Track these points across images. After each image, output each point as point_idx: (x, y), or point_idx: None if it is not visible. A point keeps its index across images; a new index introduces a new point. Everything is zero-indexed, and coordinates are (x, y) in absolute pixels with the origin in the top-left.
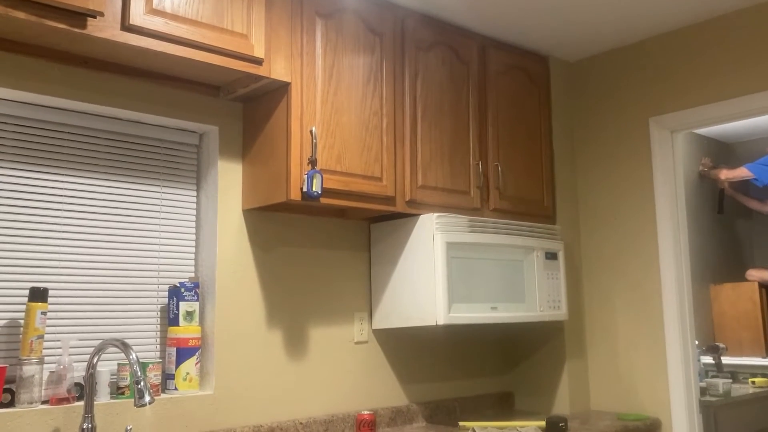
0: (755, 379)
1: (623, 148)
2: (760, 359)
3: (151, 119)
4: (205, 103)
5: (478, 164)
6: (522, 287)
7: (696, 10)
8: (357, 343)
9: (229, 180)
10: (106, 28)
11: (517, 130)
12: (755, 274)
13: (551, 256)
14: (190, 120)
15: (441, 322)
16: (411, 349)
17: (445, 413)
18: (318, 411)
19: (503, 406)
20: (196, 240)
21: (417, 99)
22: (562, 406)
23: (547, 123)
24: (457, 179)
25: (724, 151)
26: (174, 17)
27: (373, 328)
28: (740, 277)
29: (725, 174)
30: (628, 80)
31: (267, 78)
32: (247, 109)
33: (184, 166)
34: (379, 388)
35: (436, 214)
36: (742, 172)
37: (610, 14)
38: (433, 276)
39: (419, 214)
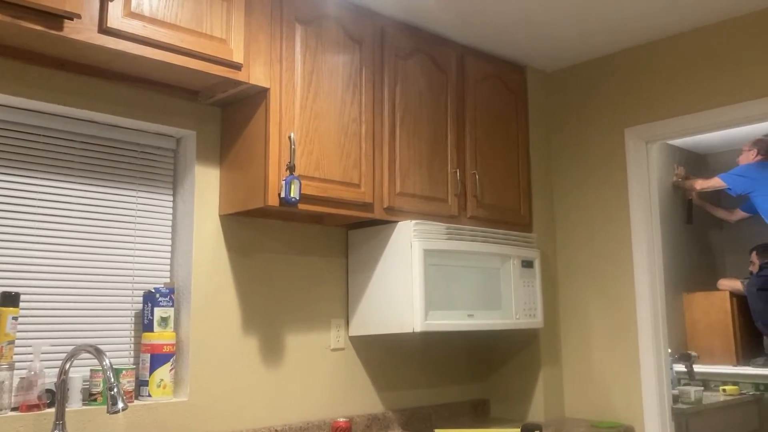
0: (726, 387)
1: (599, 157)
2: (730, 367)
3: (128, 123)
4: (183, 108)
5: (456, 172)
6: (498, 295)
7: (671, 24)
8: (333, 349)
9: (206, 185)
10: (83, 31)
11: (495, 138)
12: (726, 284)
13: (527, 264)
14: (167, 124)
15: (418, 329)
16: (387, 356)
17: (420, 420)
18: (293, 418)
19: (479, 414)
20: (172, 245)
21: (396, 106)
22: (537, 413)
23: (524, 132)
24: (435, 186)
25: (696, 162)
26: (152, 21)
27: (350, 334)
28: (712, 287)
29: (700, 184)
30: (604, 91)
31: (246, 83)
32: (225, 113)
33: (160, 171)
34: (355, 395)
35: (414, 221)
36: (716, 182)
37: (587, 26)
38: (410, 283)
39: (397, 221)
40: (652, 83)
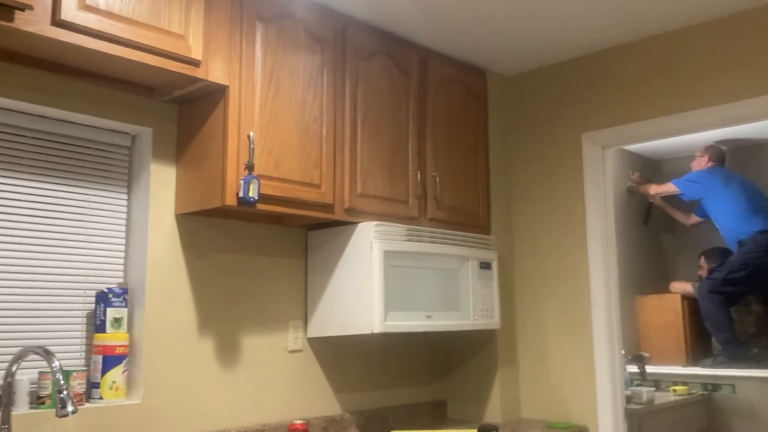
0: (676, 388)
1: (556, 161)
2: (681, 368)
3: (81, 119)
4: (139, 104)
5: (416, 174)
6: (457, 296)
7: (629, 32)
8: (291, 351)
9: (161, 183)
10: (35, 22)
11: (455, 141)
12: (678, 286)
13: (485, 265)
14: (122, 121)
15: (377, 330)
16: (345, 358)
17: (378, 422)
18: (250, 420)
19: (436, 415)
20: (126, 245)
21: (357, 107)
22: (493, 414)
23: (484, 135)
24: (396, 188)
25: (650, 168)
26: (108, 14)
27: (308, 336)
28: (664, 289)
29: (654, 189)
30: (563, 96)
31: (204, 80)
32: (182, 111)
33: (114, 168)
34: (312, 397)
35: (374, 223)
36: (670, 188)
37: (547, 31)
38: (369, 284)
39: (358, 222)
40: (609, 90)
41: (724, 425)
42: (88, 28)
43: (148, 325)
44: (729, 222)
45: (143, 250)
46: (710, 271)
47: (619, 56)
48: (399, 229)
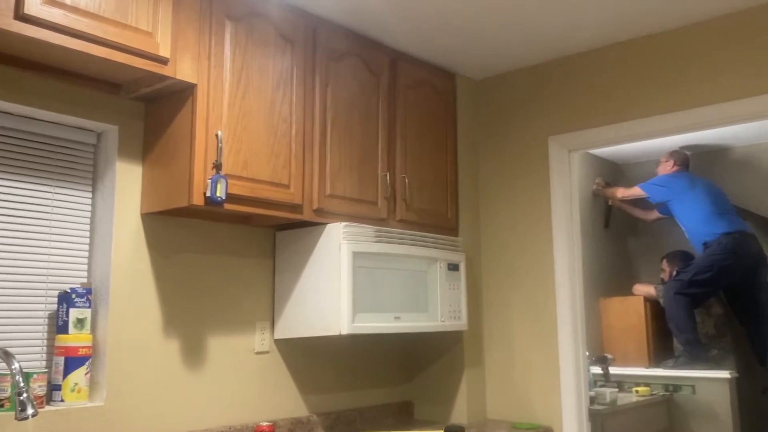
0: (638, 389)
1: (524, 164)
2: (643, 369)
3: (45, 115)
4: (105, 101)
5: (386, 175)
6: (425, 297)
7: (595, 37)
8: (258, 353)
9: (127, 182)
10: None
11: (424, 143)
12: (641, 289)
13: (453, 267)
14: (87, 118)
15: (345, 331)
16: (313, 360)
17: (345, 424)
18: (215, 422)
19: (403, 416)
20: (90, 244)
21: (327, 108)
22: (460, 415)
23: (453, 138)
24: (365, 189)
25: (615, 172)
26: (74, 9)
27: (275, 338)
28: (627, 292)
29: (621, 192)
30: (531, 100)
31: (172, 78)
32: (149, 109)
33: (79, 166)
34: (279, 399)
35: (343, 224)
36: (636, 191)
37: (515, 36)
38: (338, 285)
39: (326, 223)
40: (576, 94)
41: (684, 425)
42: (52, 23)
43: (112, 326)
44: (695, 224)
45: (108, 249)
46: (676, 273)
47: (585, 62)
48: (368, 230)
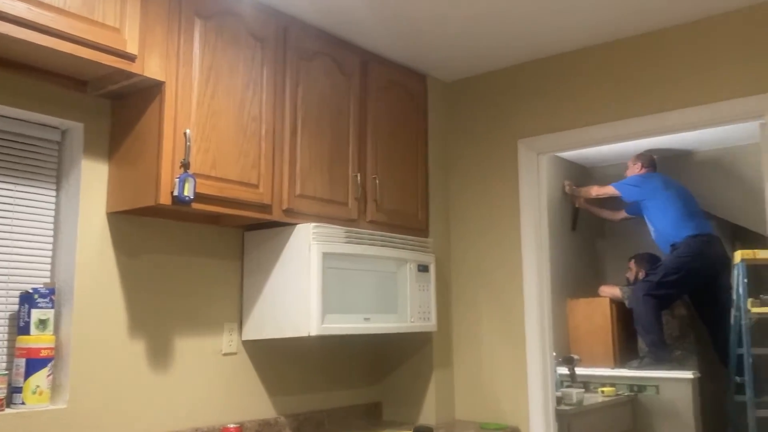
0: (604, 389)
1: (493, 167)
2: (608, 370)
3: (7, 111)
4: (71, 98)
5: (356, 176)
6: (395, 298)
7: (563, 41)
8: (225, 354)
9: (92, 180)
10: None
11: (395, 144)
12: (607, 290)
13: (423, 268)
14: (52, 115)
15: (314, 333)
16: (281, 361)
17: (313, 425)
18: (182, 424)
19: (371, 417)
20: (54, 243)
21: (297, 107)
22: (428, 415)
23: (424, 139)
24: (336, 190)
25: (582, 175)
26: (39, 3)
27: (243, 339)
28: (594, 293)
29: (596, 191)
30: (500, 103)
31: (139, 75)
32: (116, 106)
33: (43, 164)
34: (246, 401)
35: (313, 224)
36: (610, 190)
37: (485, 38)
38: (307, 286)
39: (296, 224)
40: (546, 98)
41: (648, 425)
42: (16, 16)
43: (76, 327)
44: (665, 225)
45: (72, 249)
46: (645, 275)
47: (554, 65)
48: (338, 230)
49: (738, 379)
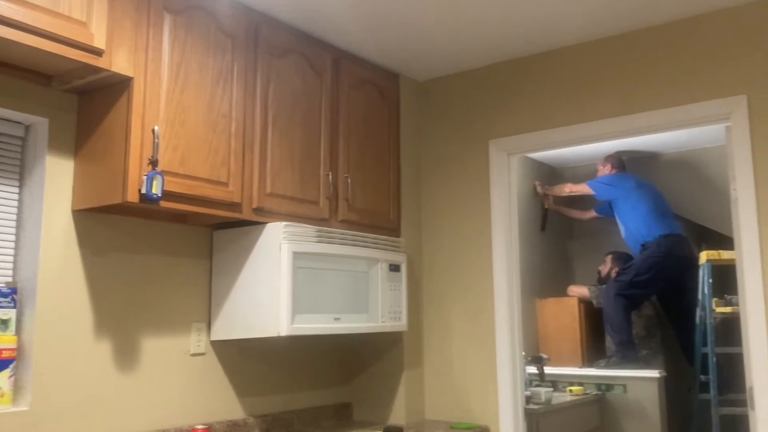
0: (572, 388)
1: (465, 167)
2: (577, 369)
3: None
4: (35, 93)
5: (328, 175)
6: (366, 298)
7: (535, 42)
8: (193, 354)
9: (57, 177)
10: None
11: (367, 143)
12: (575, 290)
13: (394, 268)
14: (15, 109)
15: (284, 333)
16: (250, 361)
17: (282, 426)
18: (148, 426)
19: (341, 417)
20: (16, 241)
21: (268, 105)
22: (398, 415)
23: (396, 139)
24: (307, 189)
25: (552, 176)
26: None
27: (212, 339)
28: (562, 293)
29: (569, 188)
30: (472, 103)
31: (107, 70)
32: (82, 101)
33: (5, 160)
34: (215, 402)
35: (283, 223)
36: (584, 188)
37: (457, 39)
38: (277, 286)
39: (266, 223)
40: (517, 98)
41: (615, 423)
42: None
43: (39, 327)
44: (637, 224)
45: (35, 247)
46: (617, 274)
47: (526, 66)
48: (309, 230)
49: (702, 377)
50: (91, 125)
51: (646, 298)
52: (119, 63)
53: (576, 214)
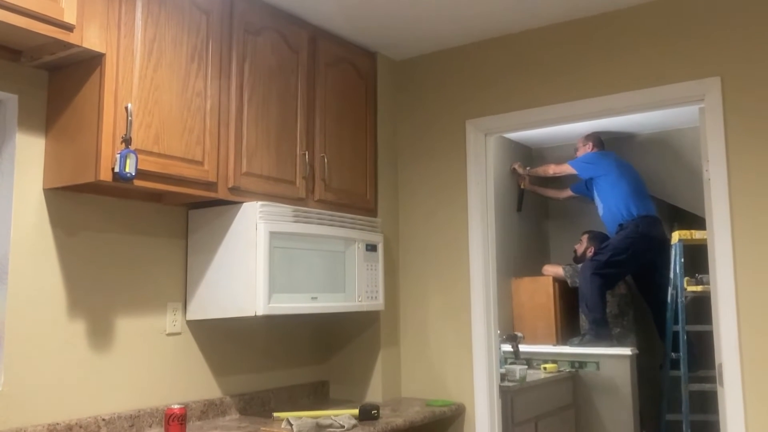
0: (546, 366)
1: (442, 146)
2: (551, 347)
3: None
4: (3, 68)
5: (304, 154)
6: (342, 278)
7: (511, 22)
8: (169, 334)
9: (28, 155)
10: None
11: (344, 123)
12: (550, 269)
13: (371, 247)
14: None
15: (260, 312)
16: (226, 341)
17: (259, 404)
18: (123, 406)
19: (318, 396)
20: None
21: (244, 83)
22: (375, 394)
23: (373, 118)
24: (283, 168)
25: (528, 156)
26: None
27: (188, 319)
28: (538, 272)
29: (553, 169)
30: (449, 82)
31: (78, 46)
32: (53, 78)
33: None
34: (191, 381)
35: (260, 203)
36: (566, 168)
37: (434, 18)
38: (254, 266)
39: (242, 202)
40: (493, 78)
41: (588, 399)
42: None
43: (11, 307)
44: (617, 202)
45: (6, 226)
46: (594, 253)
47: (502, 46)
48: (285, 209)
49: (673, 355)
50: (62, 102)
51: (622, 278)
52: (90, 39)
53: (552, 193)
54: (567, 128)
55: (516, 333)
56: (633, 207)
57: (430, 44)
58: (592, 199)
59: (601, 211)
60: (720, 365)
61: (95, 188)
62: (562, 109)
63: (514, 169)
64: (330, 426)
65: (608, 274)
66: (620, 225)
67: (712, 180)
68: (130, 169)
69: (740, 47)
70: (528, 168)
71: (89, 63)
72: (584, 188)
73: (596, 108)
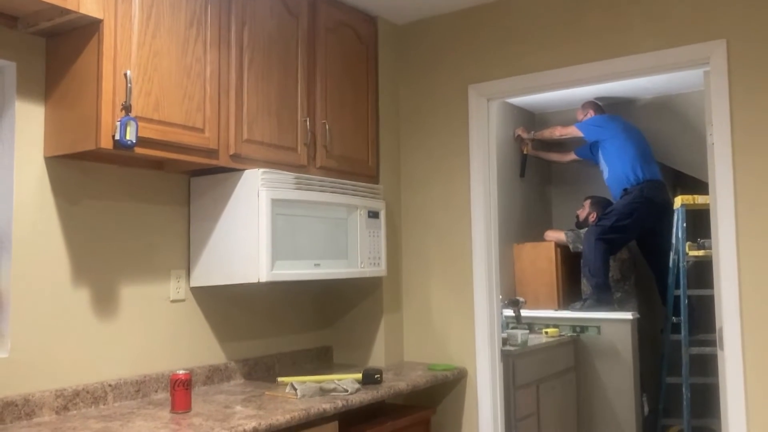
0: (548, 330)
1: (444, 112)
2: (552, 312)
3: None
4: (0, 35)
5: (306, 121)
6: (345, 244)
7: None
8: (173, 301)
9: (28, 123)
10: None
11: (345, 89)
12: (552, 235)
13: (373, 214)
14: None
15: (263, 279)
16: (230, 307)
17: (264, 369)
18: (129, 372)
19: (322, 361)
20: None
21: (244, 48)
22: (378, 358)
23: (374, 84)
24: (285, 135)
25: (530, 121)
26: None
27: (191, 285)
28: (540, 238)
29: (559, 131)
30: (451, 47)
31: (75, 12)
32: (51, 44)
33: None
34: (196, 347)
35: (261, 170)
36: (573, 131)
37: None
38: (256, 233)
39: (244, 169)
40: (496, 43)
41: (589, 363)
42: None
43: (16, 275)
44: (624, 165)
45: (8, 195)
46: (598, 219)
47: (505, 10)
48: (287, 176)
49: (674, 319)
50: (61, 69)
51: (626, 243)
52: (87, 4)
53: (555, 156)
54: (570, 93)
55: (518, 298)
56: (639, 171)
57: (431, 8)
58: (597, 163)
59: (606, 174)
60: (720, 329)
61: (96, 156)
62: (565, 73)
63: (519, 135)
64: (333, 390)
65: (613, 239)
66: (625, 189)
67: (715, 144)
68: (130, 136)
69: (746, 9)
70: (533, 132)
71: (87, 29)
72: (588, 152)
73: (600, 72)
